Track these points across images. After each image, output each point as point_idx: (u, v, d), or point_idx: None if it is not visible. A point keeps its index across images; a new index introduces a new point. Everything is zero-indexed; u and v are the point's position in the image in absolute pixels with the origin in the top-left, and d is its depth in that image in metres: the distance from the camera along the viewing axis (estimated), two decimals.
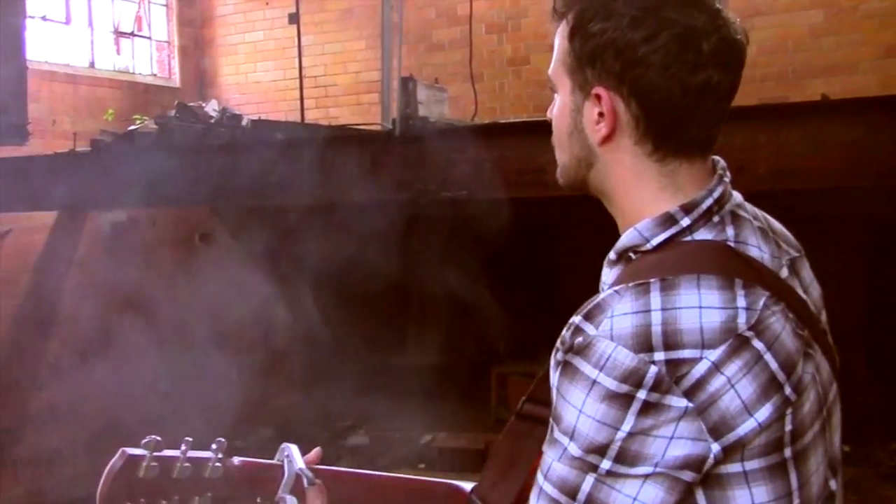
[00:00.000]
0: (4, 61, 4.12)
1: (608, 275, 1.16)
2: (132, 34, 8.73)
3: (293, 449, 1.32)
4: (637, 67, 1.06)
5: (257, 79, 9.07)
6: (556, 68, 1.17)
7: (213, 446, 1.25)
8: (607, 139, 1.12)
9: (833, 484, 1.12)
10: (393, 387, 10.00)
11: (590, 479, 1.00)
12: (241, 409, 9.31)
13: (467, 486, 1.37)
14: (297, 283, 10.01)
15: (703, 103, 1.08)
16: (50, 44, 7.75)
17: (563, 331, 1.05)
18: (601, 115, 1.11)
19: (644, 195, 1.12)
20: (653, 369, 0.97)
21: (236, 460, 1.28)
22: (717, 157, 1.16)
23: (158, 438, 1.21)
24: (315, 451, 1.39)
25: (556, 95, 1.19)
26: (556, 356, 1.05)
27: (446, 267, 10.23)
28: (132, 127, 6.97)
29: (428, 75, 6.71)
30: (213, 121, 6.66)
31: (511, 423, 1.28)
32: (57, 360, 7.51)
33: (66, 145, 7.05)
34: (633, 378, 0.97)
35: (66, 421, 7.57)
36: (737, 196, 1.15)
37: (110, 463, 1.19)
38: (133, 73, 8.66)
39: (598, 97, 1.10)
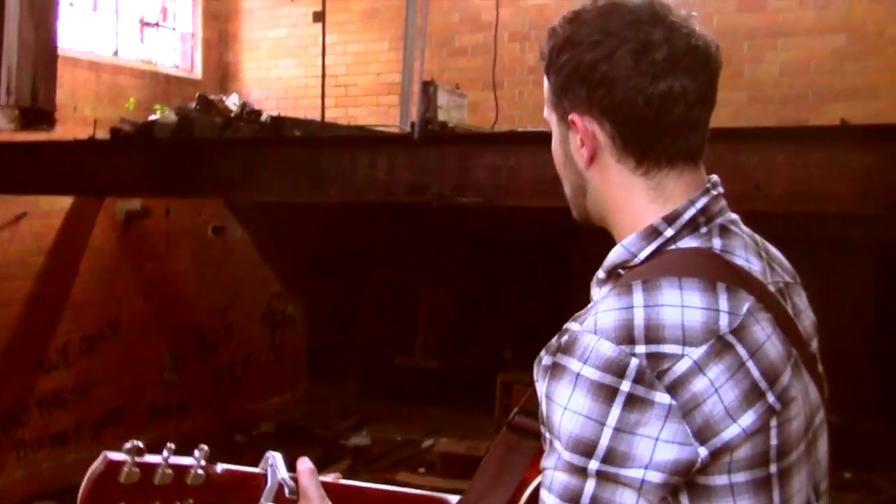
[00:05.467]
0: (36, 48, 4.15)
1: (598, 293, 1.18)
2: (157, 24, 8.79)
3: (277, 457, 1.32)
4: (600, 88, 1.11)
5: (279, 75, 9.10)
6: (546, 107, 1.23)
7: (196, 453, 1.26)
8: (591, 161, 1.16)
9: None
10: (397, 388, 10.02)
11: (591, 482, 1.01)
12: (243, 403, 9.34)
13: (454, 499, 1.37)
14: (306, 279, 10.04)
15: (670, 111, 1.11)
16: (75, 30, 7.80)
17: (553, 339, 1.08)
18: (582, 140, 1.16)
19: (635, 210, 1.15)
20: (634, 361, 0.99)
21: (219, 467, 1.28)
22: (712, 175, 1.19)
23: (140, 445, 1.21)
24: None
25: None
26: (541, 363, 1.08)
27: (457, 271, 10.25)
28: (152, 117, 7.01)
29: (449, 79, 6.72)
30: (232, 115, 6.68)
31: (502, 435, 1.29)
32: (65, 345, 7.55)
33: (87, 132, 7.09)
34: (615, 368, 1.00)
35: (72, 405, 7.61)
36: (733, 215, 1.18)
37: (91, 467, 1.20)
38: (156, 64, 8.71)
39: (574, 122, 1.16)
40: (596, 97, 1.12)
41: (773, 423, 1.03)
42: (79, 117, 7.44)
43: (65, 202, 7.42)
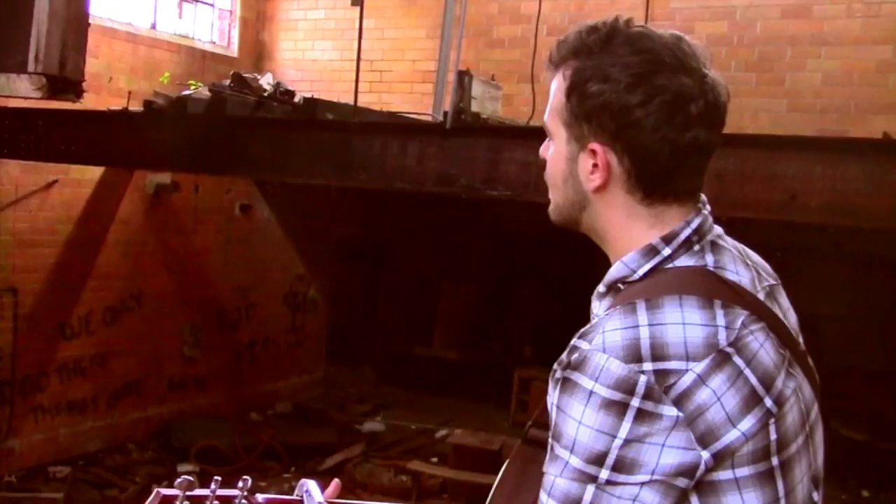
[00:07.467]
0: (67, 17, 4.14)
1: (598, 307, 1.27)
2: (196, 0, 8.80)
3: (311, 484, 1.42)
4: (631, 129, 1.17)
5: (314, 57, 9.09)
6: (551, 117, 1.27)
7: (240, 484, 1.36)
8: (601, 188, 1.23)
9: (815, 496, 1.22)
10: (414, 377, 10.02)
11: (591, 489, 1.07)
12: (260, 382, 9.37)
13: None
14: (330, 263, 10.05)
15: (689, 159, 1.20)
16: (114, 1, 7.82)
17: (563, 354, 1.14)
18: (595, 166, 1.22)
19: (635, 233, 1.23)
20: (643, 378, 1.06)
21: (260, 497, 1.38)
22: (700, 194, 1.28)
23: (191, 479, 1.32)
24: (334, 484, 1.48)
25: (549, 139, 1.29)
26: (554, 376, 1.14)
27: (481, 264, 10.22)
28: (186, 92, 7.02)
29: (485, 71, 6.67)
30: (266, 94, 6.68)
31: (517, 448, 1.34)
32: (88, 314, 7.60)
33: (120, 103, 7.12)
34: (626, 386, 1.07)
35: (91, 374, 7.67)
36: (717, 228, 1.27)
37: (146, 503, 1.30)
38: (192, 39, 8.73)
39: (594, 151, 1.21)
40: (624, 135, 1.18)
41: (772, 422, 1.11)
42: (113, 88, 7.47)
43: (95, 172, 7.46)
